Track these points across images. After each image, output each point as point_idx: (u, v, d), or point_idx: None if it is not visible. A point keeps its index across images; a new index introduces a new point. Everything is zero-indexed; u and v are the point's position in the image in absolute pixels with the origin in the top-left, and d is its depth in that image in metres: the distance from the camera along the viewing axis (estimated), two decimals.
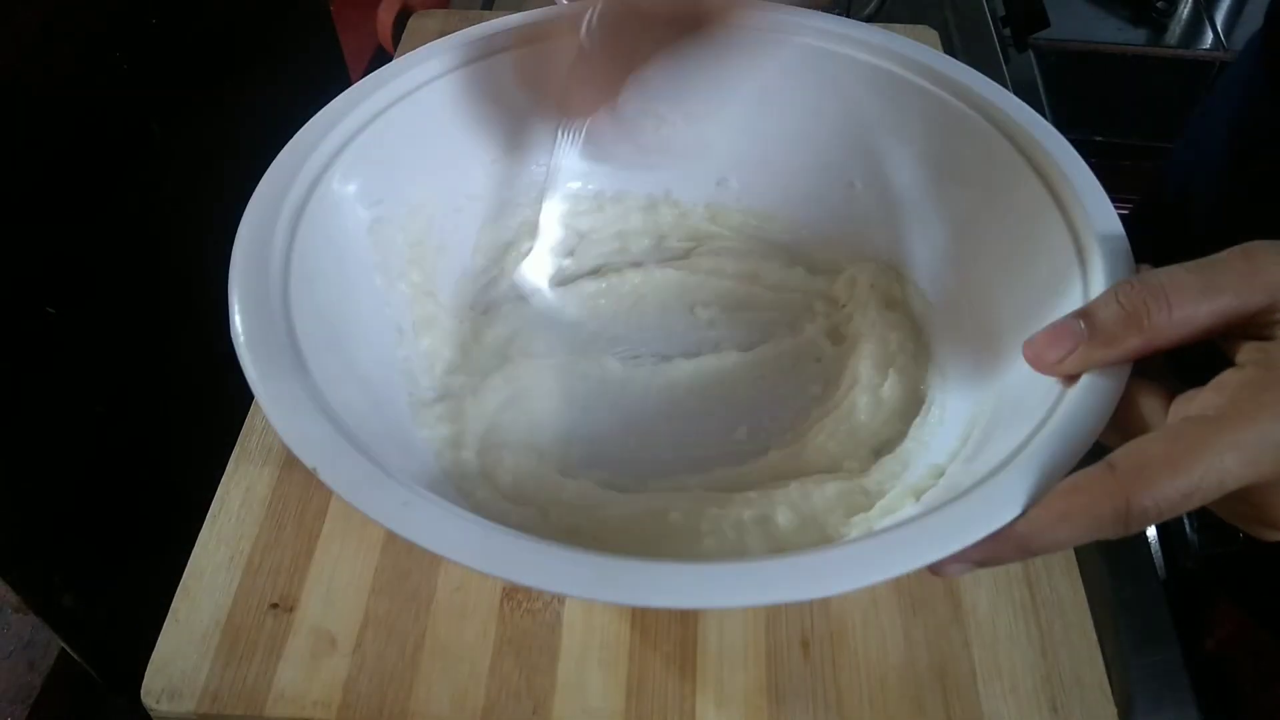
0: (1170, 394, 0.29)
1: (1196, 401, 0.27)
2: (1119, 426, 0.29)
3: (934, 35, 0.67)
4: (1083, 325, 0.29)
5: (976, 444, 0.35)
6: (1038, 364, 0.31)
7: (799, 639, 0.40)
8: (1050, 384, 0.31)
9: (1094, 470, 0.26)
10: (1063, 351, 0.30)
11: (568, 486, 0.40)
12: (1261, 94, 0.47)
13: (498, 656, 0.39)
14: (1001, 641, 0.40)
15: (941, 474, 0.36)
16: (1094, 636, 0.40)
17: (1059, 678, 0.39)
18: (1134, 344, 0.28)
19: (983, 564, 0.28)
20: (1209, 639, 0.49)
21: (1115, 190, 0.36)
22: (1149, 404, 0.29)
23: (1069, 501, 0.26)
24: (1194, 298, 0.27)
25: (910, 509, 0.34)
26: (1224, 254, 0.28)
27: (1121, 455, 0.26)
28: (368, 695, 0.38)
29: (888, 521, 0.35)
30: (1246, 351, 0.27)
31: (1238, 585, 0.49)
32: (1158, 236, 0.35)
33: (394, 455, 0.34)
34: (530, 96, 0.46)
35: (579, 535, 0.38)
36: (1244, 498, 0.26)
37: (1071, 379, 0.30)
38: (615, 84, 0.41)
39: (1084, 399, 0.29)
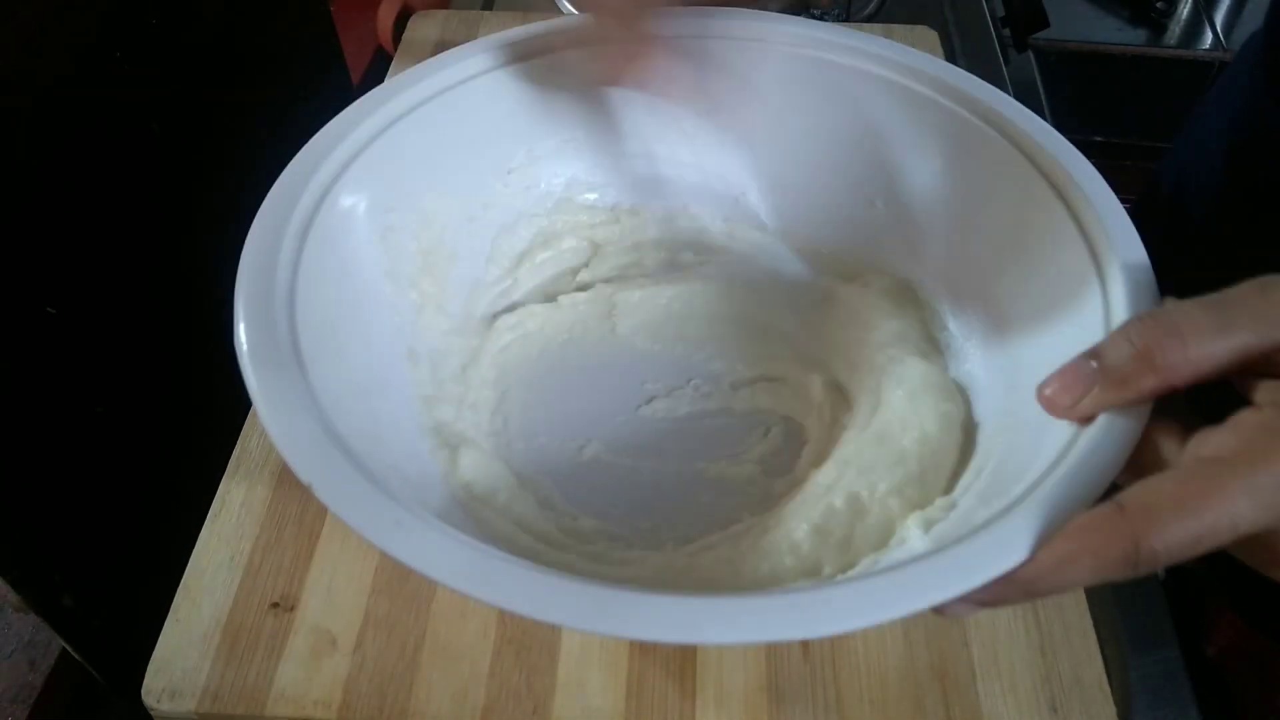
0: (1187, 431, 0.27)
1: (1211, 442, 0.26)
2: (1133, 463, 0.28)
3: (934, 36, 0.67)
4: (1094, 366, 0.28)
5: (990, 476, 0.34)
6: (1052, 409, 0.30)
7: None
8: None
9: (1102, 510, 0.25)
10: (1076, 395, 0.29)
11: (572, 513, 0.40)
12: (1260, 95, 0.47)
13: (498, 656, 0.39)
14: (1001, 641, 0.40)
15: (954, 506, 0.35)
16: (1094, 636, 0.40)
17: (1059, 678, 0.39)
18: (1148, 384, 0.27)
19: (988, 605, 0.27)
20: (1210, 647, 0.48)
21: (1115, 191, 0.36)
22: (1165, 442, 0.28)
23: (1076, 543, 0.25)
24: (1210, 335, 0.26)
25: (919, 542, 0.33)
26: (1239, 289, 0.27)
27: (1131, 495, 0.25)
28: (368, 695, 0.38)
29: (896, 553, 0.34)
30: (1264, 391, 0.26)
31: (1237, 588, 0.49)
32: (1152, 237, 0.35)
33: (397, 474, 0.34)
34: (552, 105, 0.46)
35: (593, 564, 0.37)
36: (1259, 542, 0.25)
37: (1089, 419, 0.29)
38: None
39: (1101, 439, 0.28)
